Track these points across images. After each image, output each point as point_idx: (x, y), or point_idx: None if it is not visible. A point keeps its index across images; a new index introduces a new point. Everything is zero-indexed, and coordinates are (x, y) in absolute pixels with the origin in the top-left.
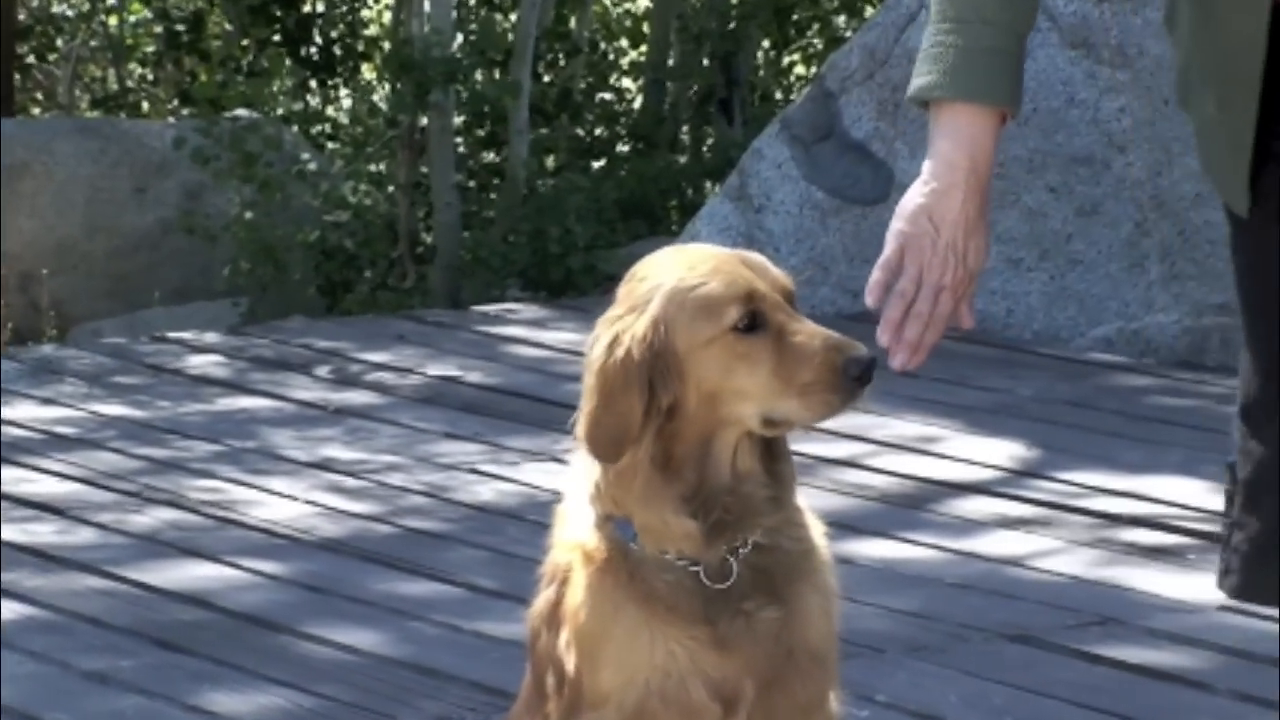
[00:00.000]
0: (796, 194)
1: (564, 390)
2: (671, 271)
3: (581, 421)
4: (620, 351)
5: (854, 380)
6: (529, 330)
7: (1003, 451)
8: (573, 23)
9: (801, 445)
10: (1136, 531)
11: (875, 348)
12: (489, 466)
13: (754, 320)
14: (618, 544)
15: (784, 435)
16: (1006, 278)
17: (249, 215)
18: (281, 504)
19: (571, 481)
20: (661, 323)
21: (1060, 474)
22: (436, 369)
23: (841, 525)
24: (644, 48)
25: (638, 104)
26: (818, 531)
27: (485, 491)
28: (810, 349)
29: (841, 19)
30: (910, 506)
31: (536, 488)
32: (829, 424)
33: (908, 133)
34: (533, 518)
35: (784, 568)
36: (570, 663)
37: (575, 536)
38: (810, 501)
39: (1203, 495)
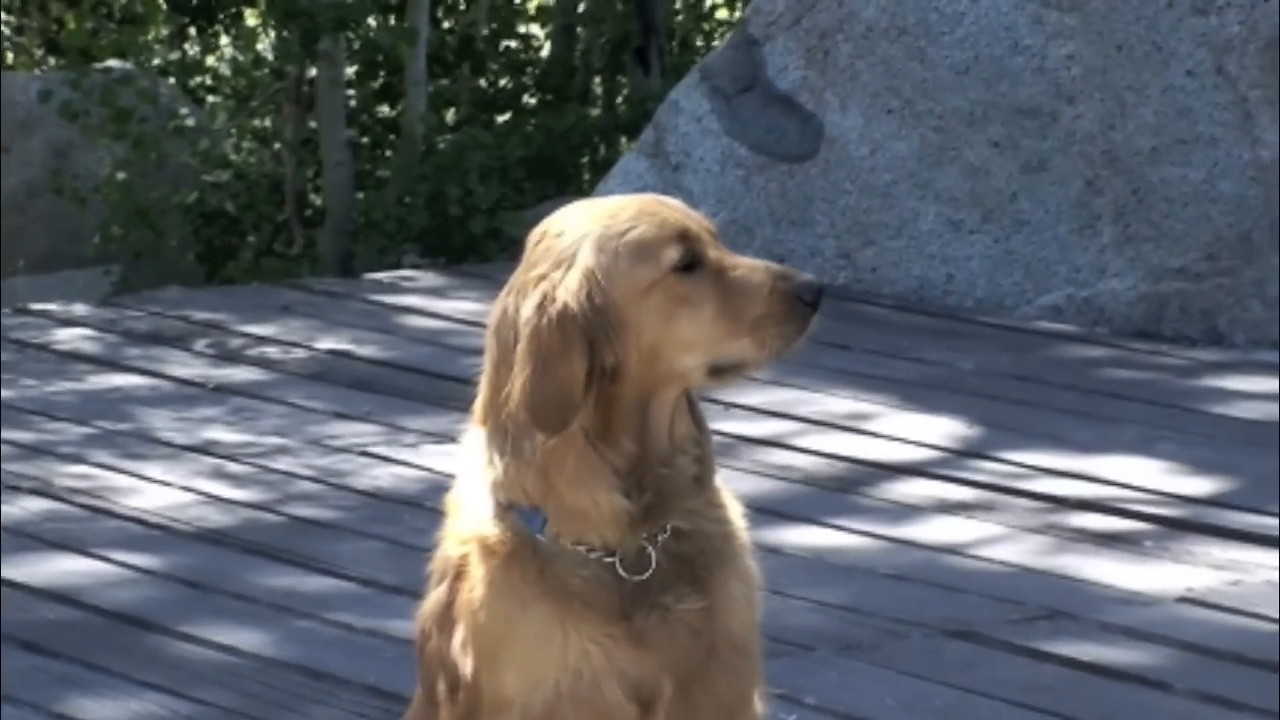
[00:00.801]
0: (717, 150)
1: (465, 365)
2: (593, 220)
3: (517, 394)
4: (554, 309)
5: (807, 307)
6: (427, 300)
7: (941, 430)
8: None
9: (720, 424)
10: (1087, 516)
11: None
12: (384, 449)
13: (693, 260)
14: (523, 536)
15: (699, 407)
16: (946, 240)
17: (121, 176)
18: (158, 491)
19: (464, 466)
20: (596, 273)
21: (1004, 454)
22: (326, 343)
23: (765, 511)
24: None
25: (545, 52)
26: (736, 513)
27: (380, 476)
28: (755, 282)
29: None
30: (840, 490)
31: (436, 472)
32: (750, 398)
33: (838, 83)
34: (432, 505)
35: (704, 554)
36: (467, 666)
37: (472, 528)
38: (730, 485)
39: (1159, 477)
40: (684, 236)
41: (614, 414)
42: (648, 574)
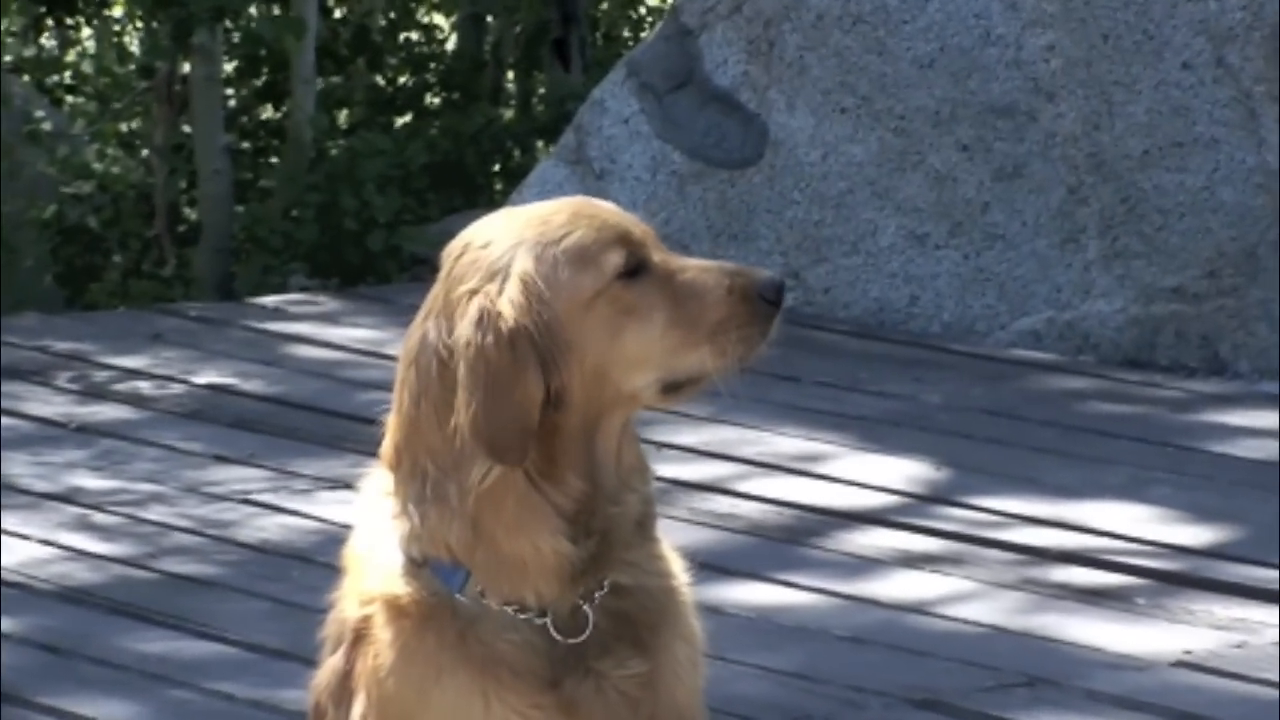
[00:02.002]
0: (647, 155)
1: (362, 400)
2: (523, 227)
3: (466, 425)
4: (503, 325)
5: (769, 305)
6: (318, 327)
7: (904, 472)
8: None
9: (654, 466)
10: (1070, 570)
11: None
12: (270, 496)
13: (638, 264)
14: (440, 595)
15: (638, 444)
16: (909, 257)
17: None
18: (14, 545)
19: (365, 515)
20: (536, 283)
21: (976, 499)
22: (204, 376)
23: (705, 565)
24: None
25: (451, 45)
26: (678, 566)
27: (267, 527)
28: (709, 283)
29: None
30: (789, 541)
31: (330, 523)
32: (687, 438)
33: (784, 78)
34: (326, 560)
35: (647, 611)
36: None
37: (378, 586)
38: (666, 536)
39: (1152, 525)
40: (626, 240)
41: (558, 446)
42: (584, 636)
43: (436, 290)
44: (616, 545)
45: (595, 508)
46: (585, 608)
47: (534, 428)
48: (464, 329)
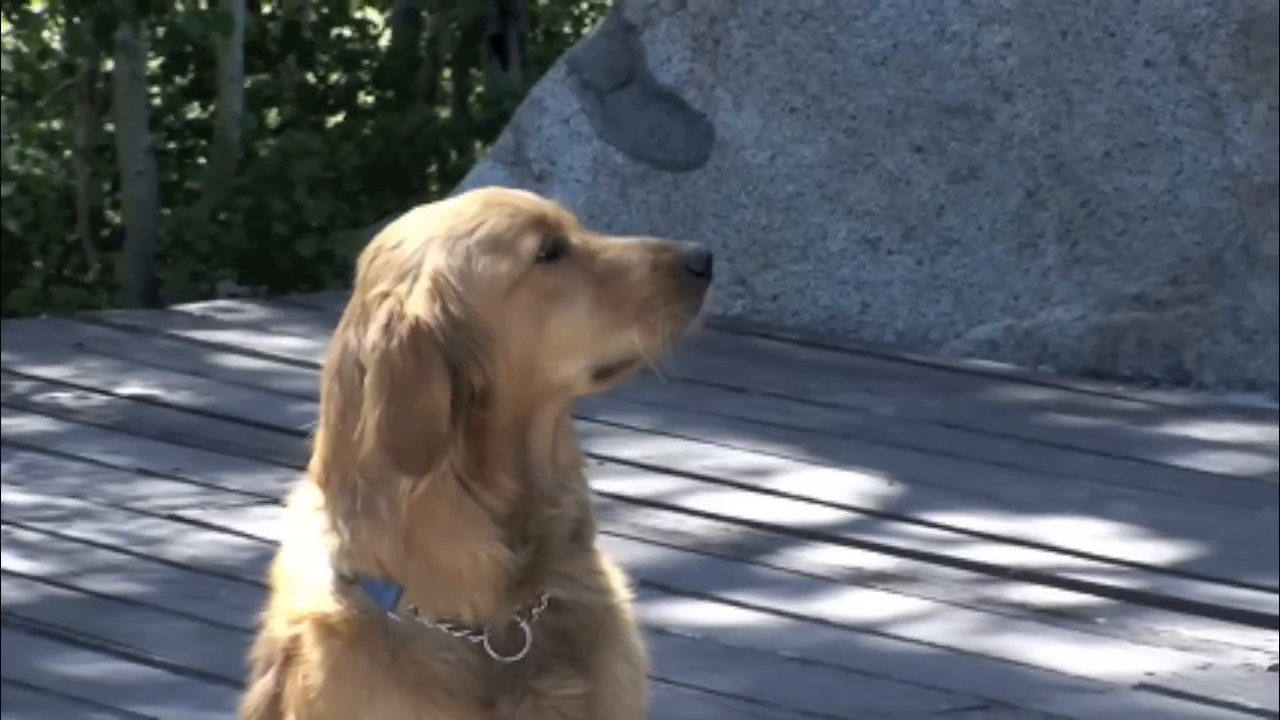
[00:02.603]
0: (588, 156)
1: (292, 412)
2: (434, 223)
3: (370, 434)
4: (404, 329)
5: (698, 278)
6: (246, 335)
7: (856, 487)
8: None
9: (594, 481)
10: (1029, 589)
11: None
12: (197, 512)
13: (555, 247)
14: (372, 613)
15: (574, 440)
16: (861, 263)
17: None
18: None
19: (294, 531)
20: (449, 278)
21: (930, 515)
22: (128, 387)
23: (648, 583)
24: None
25: (385, 41)
26: (619, 582)
27: (194, 544)
28: (632, 260)
29: None
30: (736, 558)
31: (259, 539)
32: (629, 451)
33: (731, 76)
34: (255, 578)
35: (586, 629)
36: None
37: (307, 605)
38: (608, 553)
39: (1114, 542)
40: (541, 223)
41: (488, 446)
42: (522, 654)
43: (355, 298)
44: (553, 555)
45: (532, 510)
46: (523, 625)
47: (442, 435)
48: (371, 334)
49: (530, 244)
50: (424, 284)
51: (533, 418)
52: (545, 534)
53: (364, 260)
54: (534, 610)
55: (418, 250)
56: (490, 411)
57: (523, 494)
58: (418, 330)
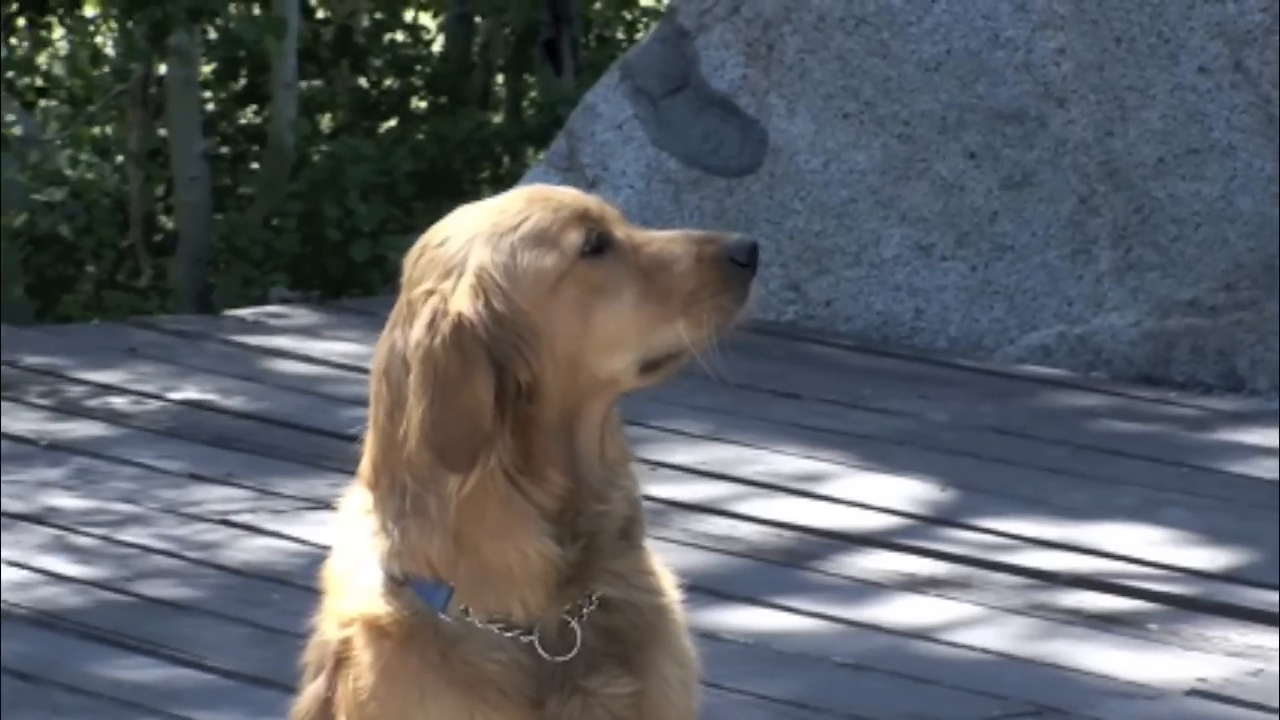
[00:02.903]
0: (642, 162)
1: (345, 417)
2: (479, 220)
3: (414, 431)
4: (447, 326)
5: (742, 269)
6: (299, 341)
7: (908, 493)
8: None
9: (646, 486)
10: (1081, 595)
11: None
12: (250, 517)
13: (600, 241)
14: (422, 614)
15: (622, 435)
16: (914, 269)
17: None
18: None
19: (345, 534)
20: (493, 274)
21: (983, 521)
22: (181, 392)
23: (701, 589)
24: None
25: (438, 47)
26: (669, 583)
27: (246, 549)
28: (677, 253)
29: None
30: (789, 564)
31: (312, 544)
32: (682, 456)
33: (785, 82)
34: (307, 583)
35: (636, 629)
36: None
37: (357, 607)
38: (657, 552)
39: (1166, 548)
40: (585, 217)
41: (536, 442)
42: (572, 653)
43: (401, 298)
44: (603, 552)
45: (581, 506)
46: (573, 624)
47: (485, 432)
48: (416, 331)
49: (574, 238)
50: (468, 280)
51: (580, 413)
52: (595, 530)
53: (409, 260)
54: (584, 610)
55: (462, 248)
56: (537, 407)
57: (572, 489)
58: (461, 327)
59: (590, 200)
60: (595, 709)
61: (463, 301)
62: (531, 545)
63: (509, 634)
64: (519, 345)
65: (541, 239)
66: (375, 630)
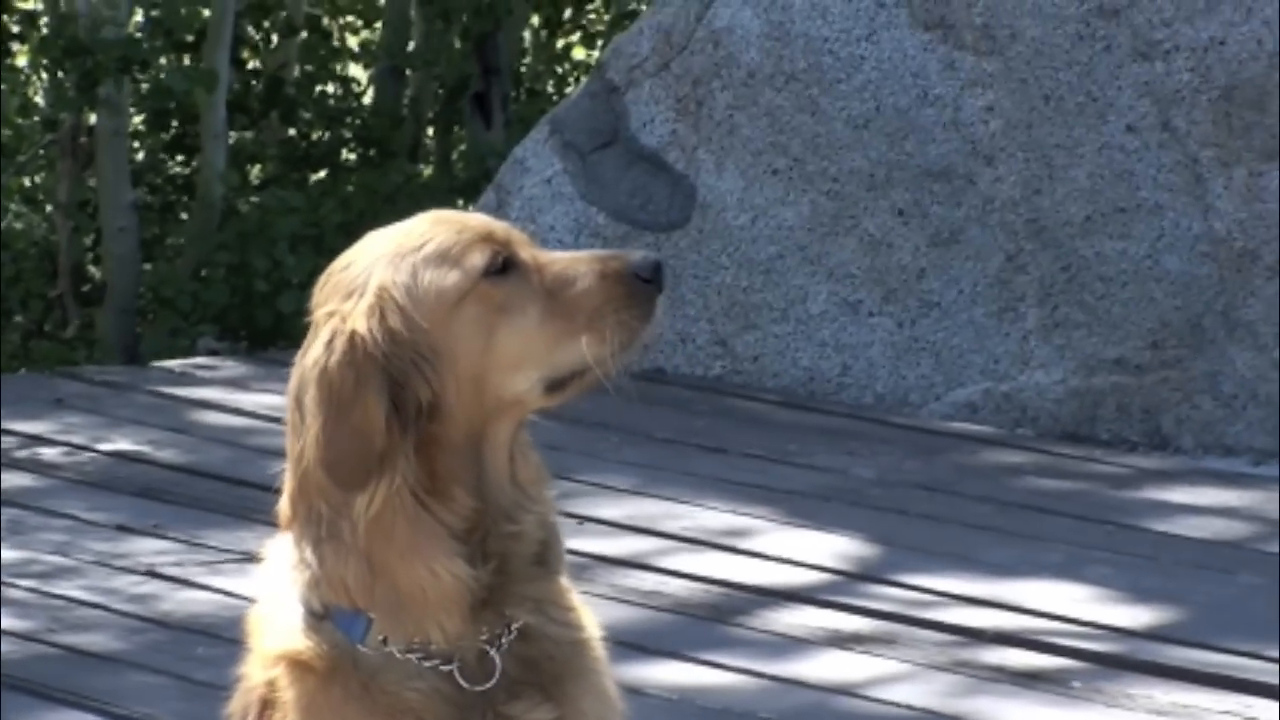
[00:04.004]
0: (570, 216)
1: (272, 470)
2: (383, 243)
3: (310, 449)
4: (342, 344)
5: (646, 285)
6: (226, 393)
7: (834, 549)
8: None
9: (574, 541)
10: (1005, 652)
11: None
12: (177, 570)
13: (504, 261)
14: (342, 647)
15: (534, 457)
16: (841, 325)
17: None
18: None
19: (267, 576)
20: (393, 294)
21: (908, 578)
22: (109, 443)
23: (626, 644)
24: (377, 26)
25: (369, 99)
26: (590, 620)
27: (173, 601)
28: (581, 270)
29: None
30: (714, 619)
31: (238, 596)
32: (609, 511)
33: (714, 138)
34: (231, 635)
35: (553, 660)
36: None
37: (280, 645)
38: (574, 586)
39: (1091, 605)
40: (490, 238)
41: (440, 461)
42: (491, 682)
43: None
44: (517, 576)
45: (490, 526)
46: (493, 654)
47: (376, 451)
48: (314, 351)
49: (477, 258)
50: (367, 300)
51: (487, 433)
52: (506, 551)
53: (318, 286)
54: (503, 639)
55: (365, 269)
56: (440, 426)
57: (479, 509)
58: (354, 345)
59: (496, 223)
60: None
61: (359, 320)
62: (441, 564)
63: (429, 663)
64: (419, 364)
65: (444, 259)
66: (298, 667)
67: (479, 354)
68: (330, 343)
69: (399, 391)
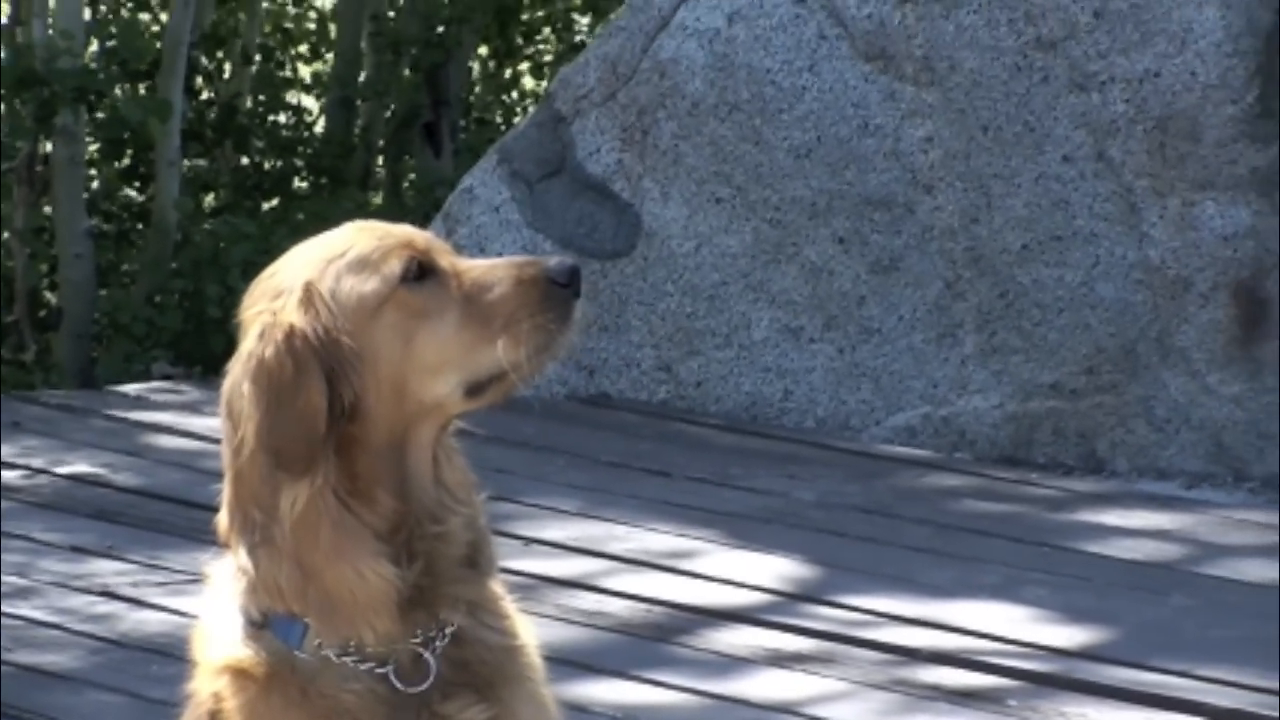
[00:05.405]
0: (518, 244)
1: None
2: (307, 252)
3: (251, 439)
4: (279, 334)
5: (563, 290)
6: (180, 416)
7: (775, 570)
8: (240, 25)
9: (519, 561)
10: (942, 671)
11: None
12: (128, 589)
13: (423, 268)
14: (281, 654)
15: (460, 461)
16: (783, 351)
17: None
18: None
19: (210, 591)
20: (318, 293)
21: (847, 598)
22: (66, 466)
23: (570, 662)
24: (329, 57)
25: (320, 128)
26: (525, 629)
27: (125, 621)
28: (497, 276)
29: (584, 20)
30: (657, 639)
31: (190, 615)
32: (553, 533)
33: (658, 167)
34: (182, 653)
35: (485, 665)
36: None
37: (222, 655)
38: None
39: (1026, 626)
40: (409, 246)
41: (361, 463)
42: (426, 685)
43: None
44: (446, 577)
45: (413, 527)
46: (426, 656)
47: (320, 435)
48: (247, 345)
49: (395, 265)
50: (296, 295)
51: (409, 435)
52: (432, 552)
53: (246, 295)
54: (436, 642)
55: (290, 275)
56: (360, 428)
57: (401, 510)
58: (293, 335)
59: (417, 232)
60: None
61: (292, 313)
62: (366, 565)
63: (364, 666)
64: (342, 365)
65: (364, 265)
66: (240, 676)
67: (399, 359)
68: (263, 335)
69: (329, 387)
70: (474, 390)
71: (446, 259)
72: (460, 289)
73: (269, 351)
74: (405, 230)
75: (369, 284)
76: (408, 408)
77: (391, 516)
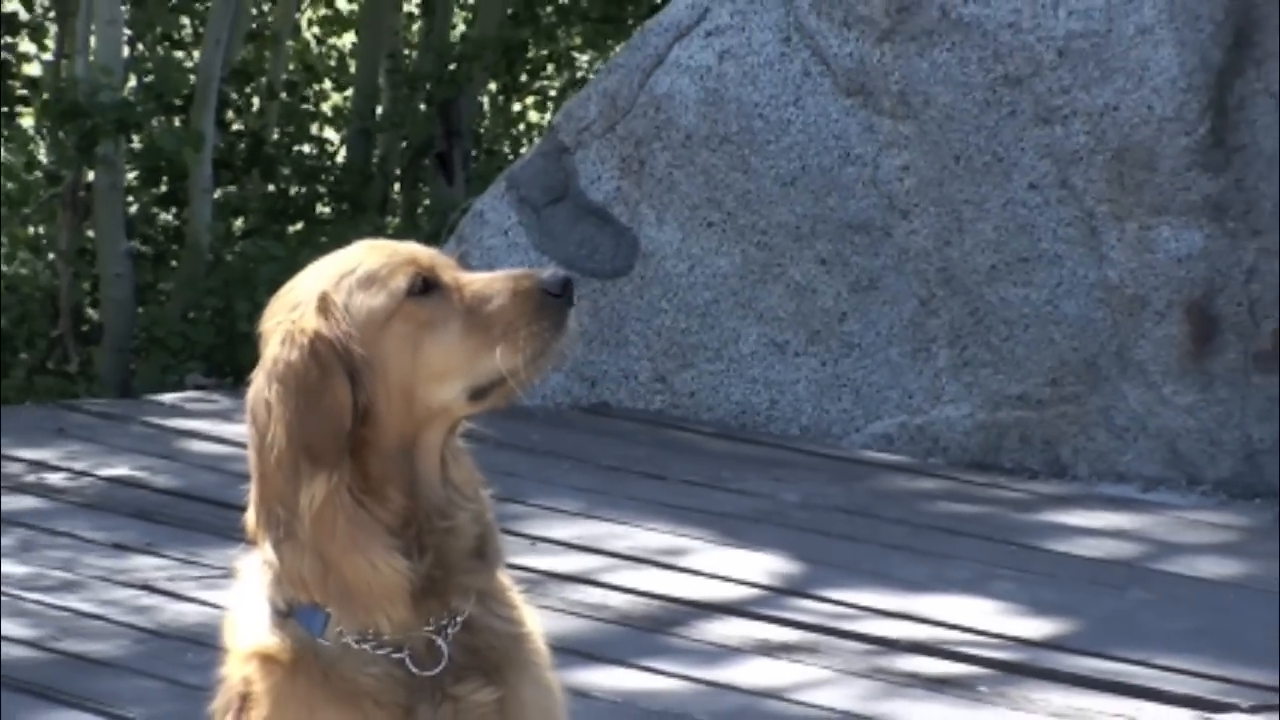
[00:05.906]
0: (525, 264)
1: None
2: (320, 269)
3: (281, 437)
4: (304, 339)
5: (556, 299)
6: (213, 424)
7: (762, 566)
8: (266, 62)
9: (526, 558)
10: (917, 660)
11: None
12: (166, 583)
13: (427, 282)
14: (305, 641)
15: (467, 461)
16: (769, 364)
17: None
18: None
19: (240, 583)
20: (333, 303)
21: (829, 592)
22: (104, 469)
23: (573, 651)
24: (349, 92)
25: (341, 158)
26: (530, 615)
27: (161, 612)
28: (496, 288)
29: (585, 58)
30: (654, 630)
31: (221, 608)
32: (558, 532)
33: (654, 194)
34: (218, 643)
35: (494, 650)
36: None
37: (251, 642)
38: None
39: (995, 618)
40: (414, 262)
41: (372, 463)
42: (439, 668)
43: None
44: (456, 568)
45: (423, 522)
46: (439, 642)
47: (347, 430)
48: (271, 352)
49: (401, 280)
50: (313, 304)
51: (418, 438)
52: (442, 545)
53: (265, 312)
54: (448, 629)
55: (305, 290)
56: (372, 431)
57: (411, 507)
58: (317, 339)
59: (422, 249)
60: (464, 714)
61: (313, 320)
62: (379, 557)
63: (381, 651)
64: (357, 370)
65: (373, 281)
66: (268, 661)
67: (408, 367)
68: (287, 341)
69: (351, 384)
70: (477, 395)
71: (449, 273)
72: (462, 301)
73: (294, 355)
74: (411, 247)
75: (378, 298)
76: (416, 412)
77: (402, 513)
